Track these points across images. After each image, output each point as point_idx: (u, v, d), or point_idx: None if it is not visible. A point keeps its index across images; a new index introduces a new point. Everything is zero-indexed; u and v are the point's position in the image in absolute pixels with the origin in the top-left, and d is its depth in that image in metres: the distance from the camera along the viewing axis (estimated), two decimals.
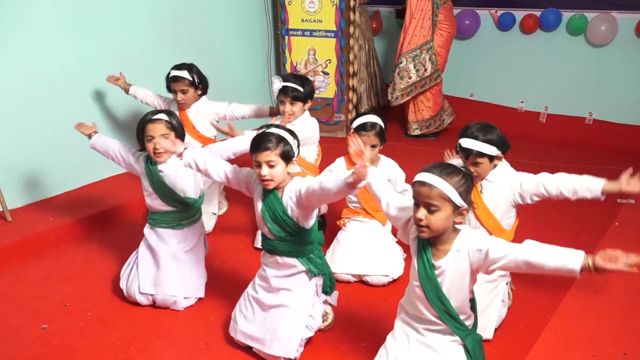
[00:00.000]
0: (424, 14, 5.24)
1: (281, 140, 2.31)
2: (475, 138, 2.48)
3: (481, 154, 2.48)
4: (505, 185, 2.57)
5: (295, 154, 2.37)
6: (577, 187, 2.41)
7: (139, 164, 2.90)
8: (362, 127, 3.03)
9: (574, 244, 3.50)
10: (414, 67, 5.37)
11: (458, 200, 1.85)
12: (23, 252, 3.40)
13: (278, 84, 3.34)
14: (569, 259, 1.76)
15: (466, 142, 2.50)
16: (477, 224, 2.62)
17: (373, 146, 3.03)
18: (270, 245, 2.47)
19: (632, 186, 2.24)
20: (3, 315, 2.86)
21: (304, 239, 2.44)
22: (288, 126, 3.37)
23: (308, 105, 3.41)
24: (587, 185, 2.37)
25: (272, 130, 2.35)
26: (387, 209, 2.19)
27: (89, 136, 3.03)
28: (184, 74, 3.49)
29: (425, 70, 5.37)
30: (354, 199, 3.21)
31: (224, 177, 2.56)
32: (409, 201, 2.02)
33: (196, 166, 2.56)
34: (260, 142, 2.30)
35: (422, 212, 1.87)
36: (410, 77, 5.39)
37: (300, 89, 3.30)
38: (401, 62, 5.39)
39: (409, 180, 2.13)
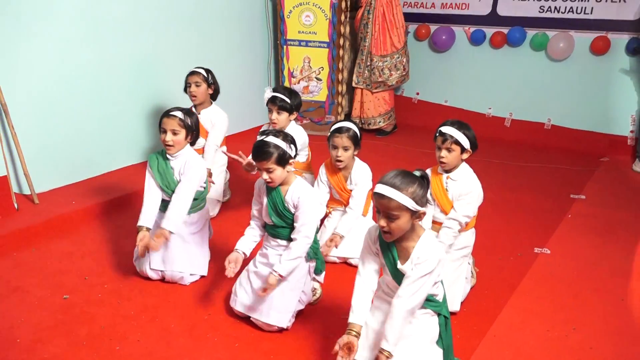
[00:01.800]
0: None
1: (276, 148, 2.30)
2: (454, 127, 2.56)
3: (457, 142, 2.54)
4: (463, 188, 2.61)
5: (292, 156, 2.35)
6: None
7: (152, 174, 2.84)
8: (338, 130, 3.00)
9: (532, 234, 3.57)
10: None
11: (415, 207, 1.82)
12: (48, 231, 3.39)
13: (268, 93, 3.29)
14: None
15: (446, 129, 2.56)
16: (442, 215, 2.64)
17: (346, 148, 2.99)
18: (273, 231, 2.50)
19: None
20: (30, 286, 2.86)
21: None
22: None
23: (293, 116, 3.34)
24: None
25: (269, 139, 2.32)
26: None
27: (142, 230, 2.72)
28: (201, 70, 3.59)
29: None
30: (337, 196, 3.20)
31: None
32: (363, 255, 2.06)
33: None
34: (258, 154, 2.32)
35: (383, 221, 1.86)
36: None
37: (287, 100, 3.25)
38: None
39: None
